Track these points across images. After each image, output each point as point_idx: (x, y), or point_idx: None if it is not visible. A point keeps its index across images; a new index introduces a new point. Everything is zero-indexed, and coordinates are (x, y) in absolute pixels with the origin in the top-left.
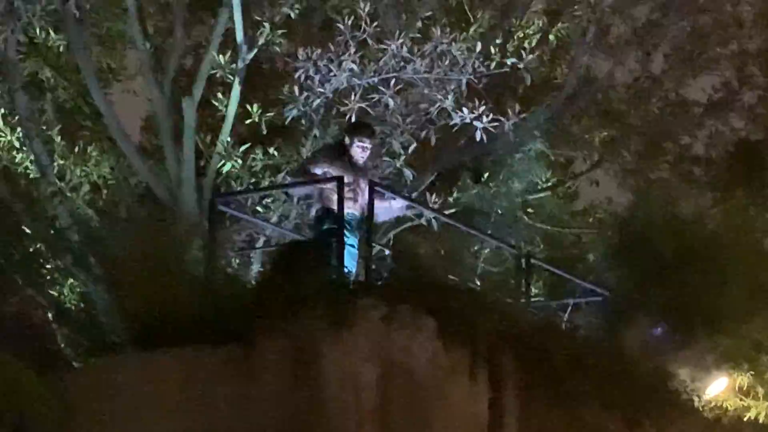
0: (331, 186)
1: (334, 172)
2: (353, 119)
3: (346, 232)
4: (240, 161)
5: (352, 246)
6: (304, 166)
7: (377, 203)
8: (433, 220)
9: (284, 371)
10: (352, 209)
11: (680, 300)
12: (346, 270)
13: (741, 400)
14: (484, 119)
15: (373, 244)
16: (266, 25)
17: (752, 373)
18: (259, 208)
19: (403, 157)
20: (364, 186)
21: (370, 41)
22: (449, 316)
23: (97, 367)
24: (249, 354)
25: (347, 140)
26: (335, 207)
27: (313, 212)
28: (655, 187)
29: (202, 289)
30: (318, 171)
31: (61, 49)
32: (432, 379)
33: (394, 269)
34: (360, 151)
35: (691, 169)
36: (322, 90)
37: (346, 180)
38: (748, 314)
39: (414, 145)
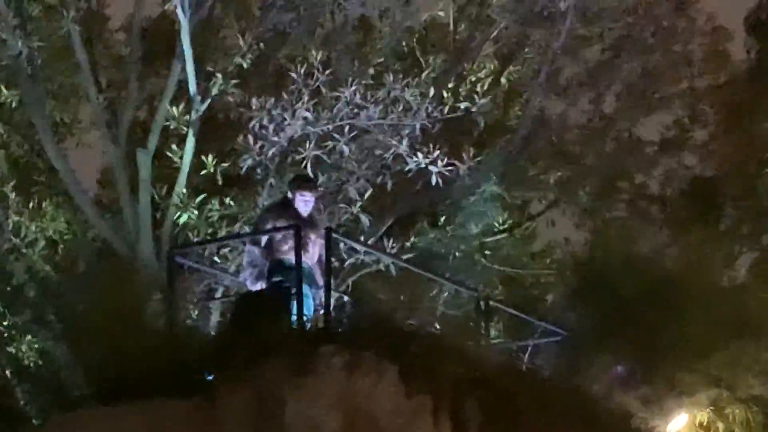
0: (281, 237)
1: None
2: (308, 167)
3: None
4: (196, 212)
5: (305, 295)
6: (256, 229)
7: None
8: (391, 266)
9: (248, 421)
10: (303, 259)
11: (640, 338)
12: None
13: None
14: (440, 163)
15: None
16: (219, 75)
17: (712, 408)
18: (217, 259)
19: (359, 204)
20: (315, 237)
21: (323, 89)
22: (411, 361)
23: (62, 423)
24: (213, 405)
25: (290, 194)
26: (285, 257)
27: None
28: (612, 226)
29: (163, 341)
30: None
31: (14, 104)
32: (396, 424)
33: (354, 316)
34: (303, 204)
35: (647, 208)
36: (276, 139)
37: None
38: (706, 350)
39: (370, 191)
